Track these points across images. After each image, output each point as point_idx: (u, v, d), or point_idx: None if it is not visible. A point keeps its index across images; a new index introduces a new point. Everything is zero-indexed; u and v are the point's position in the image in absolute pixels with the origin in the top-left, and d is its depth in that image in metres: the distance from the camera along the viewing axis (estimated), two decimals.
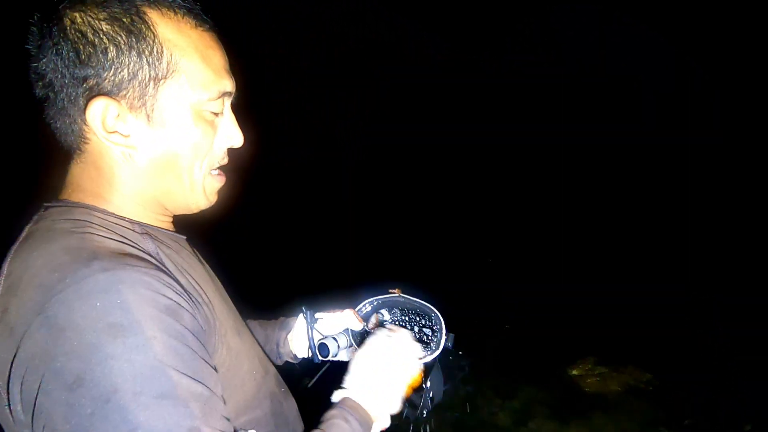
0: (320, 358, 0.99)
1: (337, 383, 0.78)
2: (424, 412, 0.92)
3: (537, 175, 6.82)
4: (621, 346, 3.23)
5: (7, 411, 0.55)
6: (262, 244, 5.26)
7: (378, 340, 0.82)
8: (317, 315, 1.02)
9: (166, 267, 0.62)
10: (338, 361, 1.03)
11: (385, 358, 0.79)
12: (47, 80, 0.61)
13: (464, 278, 4.61)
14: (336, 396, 0.77)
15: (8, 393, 0.53)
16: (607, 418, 2.67)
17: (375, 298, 1.06)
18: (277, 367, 0.91)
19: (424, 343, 0.96)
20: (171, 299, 0.55)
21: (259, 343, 0.85)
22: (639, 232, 5.30)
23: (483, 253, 5.41)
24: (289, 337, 1.04)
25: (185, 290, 0.61)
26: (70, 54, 0.59)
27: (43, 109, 0.65)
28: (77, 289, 0.51)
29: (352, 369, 0.79)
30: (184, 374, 0.52)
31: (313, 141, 7.31)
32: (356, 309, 1.04)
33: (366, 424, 0.73)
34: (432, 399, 0.92)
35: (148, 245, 0.64)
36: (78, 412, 0.47)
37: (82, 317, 0.50)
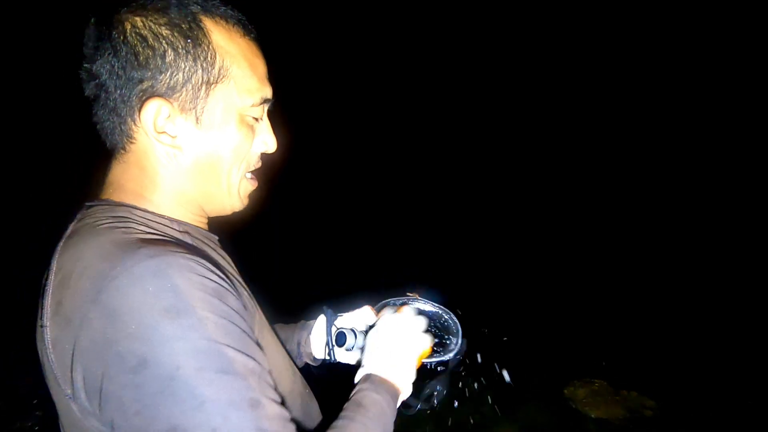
0: (337, 351, 1.00)
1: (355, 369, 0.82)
2: (431, 404, 0.92)
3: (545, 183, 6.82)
4: (626, 369, 3.21)
5: (69, 402, 0.56)
6: (282, 248, 5.33)
7: (385, 318, 0.85)
8: (338, 314, 1.04)
9: (206, 257, 0.64)
10: (351, 364, 1.03)
11: (395, 333, 0.82)
12: (101, 81, 0.63)
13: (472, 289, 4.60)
14: (358, 375, 0.79)
15: (72, 383, 0.55)
16: None
17: (393, 299, 1.07)
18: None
19: (441, 346, 0.96)
20: (216, 282, 0.58)
21: (284, 347, 0.87)
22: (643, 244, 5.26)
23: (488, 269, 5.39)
24: (310, 338, 1.05)
25: (228, 276, 0.63)
26: (129, 56, 0.62)
27: (91, 109, 0.67)
28: (129, 275, 0.53)
29: (368, 348, 0.83)
30: (238, 350, 0.55)
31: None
32: (375, 307, 1.06)
33: (394, 394, 0.76)
34: (436, 396, 0.92)
35: (187, 242, 0.66)
36: (146, 391, 0.50)
37: (136, 302, 0.52)
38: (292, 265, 4.96)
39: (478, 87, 7.77)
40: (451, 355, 0.92)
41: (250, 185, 0.77)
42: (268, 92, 0.72)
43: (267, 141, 0.75)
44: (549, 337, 3.67)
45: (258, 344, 0.61)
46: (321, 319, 1.06)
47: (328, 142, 7.27)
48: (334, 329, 1.00)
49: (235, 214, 0.78)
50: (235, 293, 0.60)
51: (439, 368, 0.92)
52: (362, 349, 0.98)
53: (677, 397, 2.93)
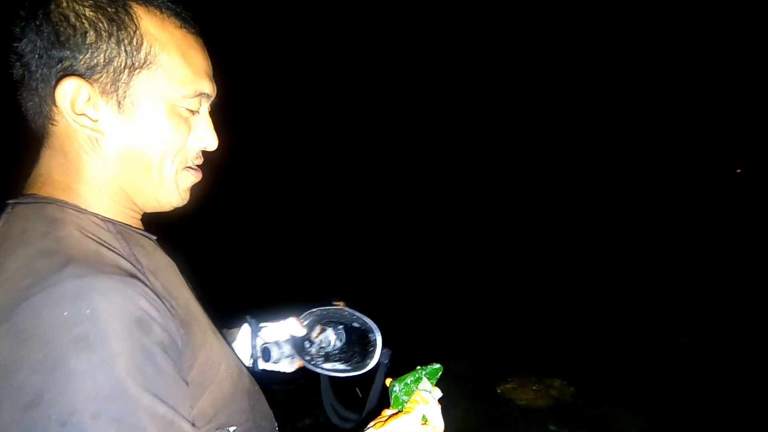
0: (262, 363, 1.01)
1: None
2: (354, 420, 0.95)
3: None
4: (548, 360, 3.47)
5: None
6: (216, 251, 5.14)
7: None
8: (261, 324, 1.03)
9: (141, 270, 0.61)
10: (277, 370, 1.05)
11: None
12: (25, 60, 0.62)
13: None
14: None
15: None
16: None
17: (318, 308, 1.07)
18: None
19: (361, 356, 0.98)
20: (144, 310, 0.54)
21: (228, 344, 0.84)
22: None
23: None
24: (233, 346, 1.02)
25: (159, 296, 0.59)
26: (51, 35, 0.60)
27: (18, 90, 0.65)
28: (46, 296, 0.49)
29: None
30: (147, 393, 0.50)
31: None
32: (300, 317, 1.06)
33: None
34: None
35: (123, 246, 0.62)
36: None
37: (47, 327, 0.48)
38: (229, 266, 4.83)
39: (458, 74, 7.83)
40: (370, 367, 0.93)
41: (190, 178, 0.73)
42: (205, 86, 0.69)
43: (205, 137, 0.72)
44: (486, 341, 3.85)
45: (184, 380, 0.58)
46: (245, 329, 1.05)
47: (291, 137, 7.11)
48: (259, 342, 1.01)
49: (175, 210, 0.74)
50: (163, 320, 0.56)
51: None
52: (290, 357, 1.03)
53: (596, 384, 3.21)
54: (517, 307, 4.42)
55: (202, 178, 0.76)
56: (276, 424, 0.88)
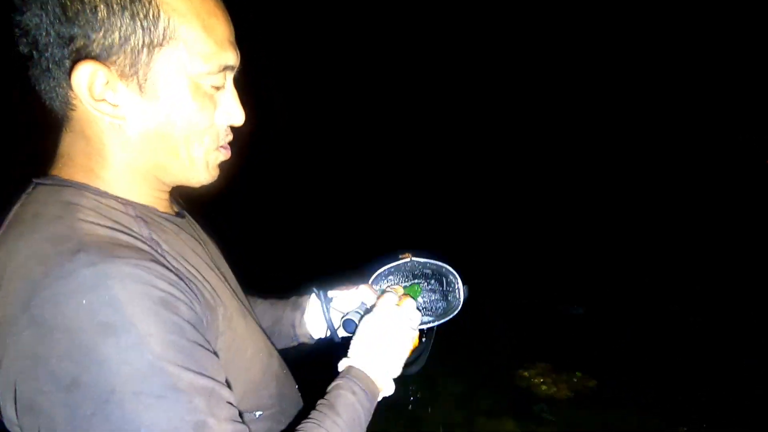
0: (346, 334, 0.95)
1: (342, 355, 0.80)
2: (416, 367, 0.94)
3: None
4: (570, 352, 3.38)
5: None
6: (264, 224, 5.19)
7: (382, 309, 0.83)
8: (330, 293, 0.99)
9: (161, 253, 0.59)
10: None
11: (388, 327, 0.80)
12: (31, 37, 0.56)
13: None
14: (341, 365, 0.78)
15: None
16: (553, 425, 2.79)
17: (385, 267, 1.03)
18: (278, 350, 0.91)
19: (444, 301, 0.98)
20: (164, 291, 0.52)
21: (261, 327, 0.83)
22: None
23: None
24: (305, 318, 1.01)
25: (183, 278, 0.58)
26: (56, 9, 0.54)
27: (27, 68, 0.59)
28: (62, 286, 0.48)
29: (357, 337, 0.81)
30: (186, 368, 0.50)
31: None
32: (370, 282, 1.02)
33: (372, 393, 0.75)
34: (422, 357, 0.93)
35: (142, 230, 0.60)
36: (78, 413, 0.46)
37: (70, 317, 0.47)
38: (273, 236, 4.86)
39: (447, 58, 7.71)
40: (457, 311, 0.95)
41: (220, 156, 0.70)
42: (230, 58, 0.63)
43: (232, 112, 0.67)
44: (499, 322, 3.83)
45: (215, 353, 0.58)
46: (314, 301, 1.02)
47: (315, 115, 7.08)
48: (335, 314, 0.97)
49: (204, 187, 0.71)
50: (188, 299, 0.55)
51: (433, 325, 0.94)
52: None
53: (615, 377, 3.13)
54: (532, 289, 4.36)
55: (231, 155, 0.72)
56: (302, 406, 0.86)
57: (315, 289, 1.00)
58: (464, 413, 2.86)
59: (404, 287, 0.95)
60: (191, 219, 0.79)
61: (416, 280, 0.95)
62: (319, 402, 0.70)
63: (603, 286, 4.34)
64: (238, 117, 0.68)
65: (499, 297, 4.16)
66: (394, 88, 7.58)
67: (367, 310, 0.94)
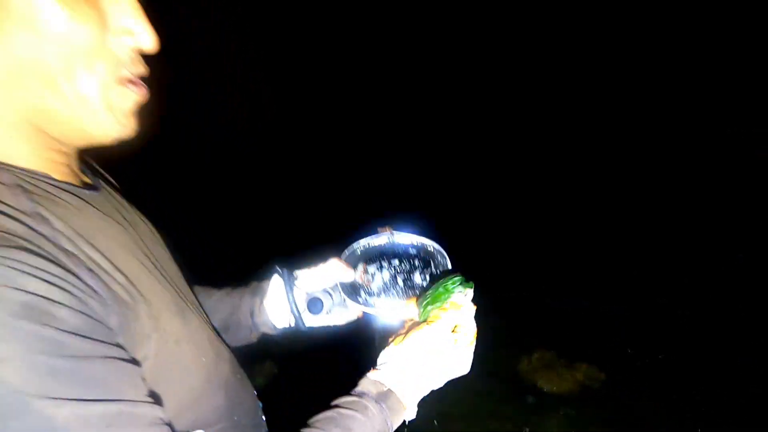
0: (310, 319, 0.86)
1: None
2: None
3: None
4: (577, 342, 3.26)
5: None
6: (254, 215, 5.00)
7: (438, 337, 0.71)
8: (296, 273, 0.89)
9: (49, 234, 0.45)
10: (328, 326, 0.91)
11: (440, 363, 0.70)
12: None
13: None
14: (367, 381, 0.68)
15: None
16: (559, 418, 2.69)
17: (360, 242, 0.92)
18: (232, 349, 0.78)
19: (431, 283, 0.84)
20: (33, 293, 0.39)
21: (211, 325, 0.71)
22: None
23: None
24: (265, 303, 0.89)
25: (78, 268, 0.45)
26: None
27: None
28: None
29: (395, 361, 0.70)
30: (65, 398, 0.38)
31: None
32: (341, 257, 0.91)
33: (396, 414, 0.66)
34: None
35: (21, 202, 0.45)
36: None
37: None
38: (262, 228, 4.71)
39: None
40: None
41: (130, 95, 0.53)
42: None
43: (129, 25, 0.50)
44: (501, 310, 3.76)
45: (134, 361, 0.47)
46: (276, 282, 0.90)
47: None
48: (300, 295, 0.87)
49: (126, 142, 0.55)
50: (74, 299, 0.42)
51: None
52: (341, 305, 0.88)
53: (624, 370, 3.03)
54: (520, 282, 4.29)
55: (146, 99, 0.56)
56: (263, 418, 0.76)
57: (277, 268, 0.89)
58: (464, 407, 2.79)
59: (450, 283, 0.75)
60: (113, 194, 0.64)
61: (450, 279, 0.74)
62: (327, 416, 0.61)
63: (599, 278, 4.29)
64: (141, 32, 0.51)
65: (489, 290, 4.09)
66: (383, 80, 7.52)
67: (346, 288, 0.84)
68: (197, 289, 0.90)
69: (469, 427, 2.67)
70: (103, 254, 0.50)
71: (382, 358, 0.70)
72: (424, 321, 0.71)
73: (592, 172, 6.39)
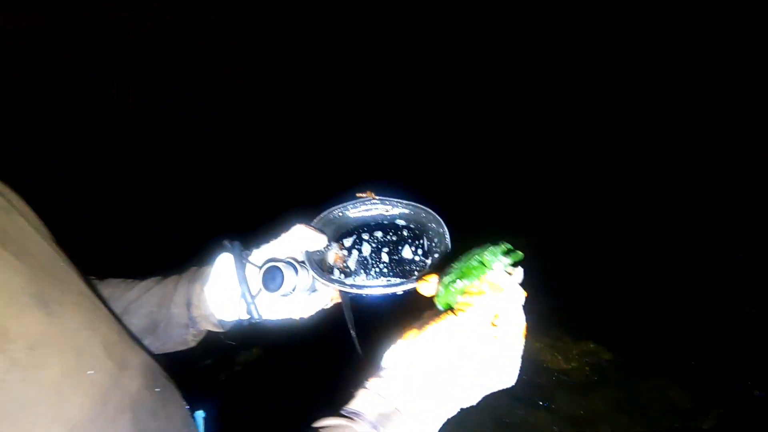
0: (267, 302, 0.65)
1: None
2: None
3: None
4: (583, 319, 3.20)
5: None
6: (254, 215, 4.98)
7: (468, 322, 0.51)
8: (249, 248, 0.70)
9: None
10: (291, 319, 0.69)
11: (472, 348, 0.50)
12: None
13: None
14: (367, 390, 0.49)
15: None
16: (569, 398, 2.68)
17: (335, 207, 0.71)
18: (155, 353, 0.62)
19: (426, 253, 0.67)
20: None
21: (121, 323, 0.53)
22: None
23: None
24: (206, 290, 0.69)
25: None
26: None
27: None
28: None
29: (404, 348, 0.50)
30: None
31: None
32: (312, 224, 0.71)
33: None
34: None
35: None
36: None
37: None
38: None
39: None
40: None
41: None
42: None
43: None
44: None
45: None
46: (224, 261, 0.69)
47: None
48: (251, 273, 0.65)
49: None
50: None
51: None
52: (308, 287, 0.68)
53: (631, 349, 3.01)
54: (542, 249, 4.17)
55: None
56: None
57: (227, 242, 0.68)
58: None
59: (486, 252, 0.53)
60: None
61: (489, 248, 0.53)
62: None
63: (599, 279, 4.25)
64: None
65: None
66: (381, 80, 7.50)
67: (316, 264, 0.63)
68: (111, 282, 0.73)
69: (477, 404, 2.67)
70: None
71: (388, 359, 0.50)
72: (450, 309, 0.51)
73: (591, 170, 6.38)
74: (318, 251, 0.69)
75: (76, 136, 4.47)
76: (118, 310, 0.69)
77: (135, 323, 0.69)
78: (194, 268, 0.73)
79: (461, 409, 0.51)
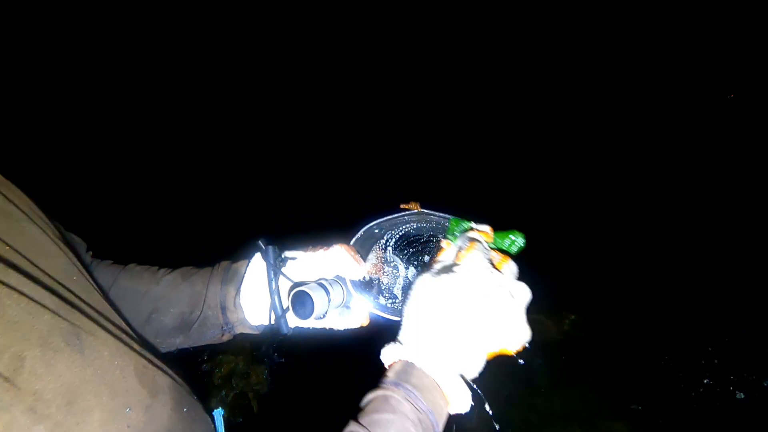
0: (294, 323, 0.62)
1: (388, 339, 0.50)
2: None
3: None
4: (557, 288, 3.14)
5: None
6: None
7: (467, 265, 0.52)
8: (287, 254, 0.66)
9: None
10: (322, 328, 0.65)
11: (477, 295, 0.49)
12: None
13: None
14: (388, 355, 0.49)
15: None
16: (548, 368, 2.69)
17: (378, 221, 0.67)
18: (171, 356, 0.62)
19: None
20: None
21: (132, 346, 0.48)
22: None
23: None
24: (241, 296, 0.66)
25: None
26: None
27: None
28: None
29: (415, 311, 0.50)
30: None
31: None
32: (351, 242, 0.67)
33: (437, 409, 0.46)
34: None
35: None
36: None
37: None
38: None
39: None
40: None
41: None
42: None
43: None
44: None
45: None
46: (257, 265, 0.66)
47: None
48: (285, 287, 0.62)
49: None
50: None
51: None
52: (343, 308, 0.64)
53: (608, 320, 3.01)
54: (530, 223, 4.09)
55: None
56: None
57: (261, 243, 0.65)
58: None
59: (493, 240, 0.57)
60: None
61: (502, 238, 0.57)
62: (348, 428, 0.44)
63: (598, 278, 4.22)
64: None
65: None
66: (375, 80, 7.48)
67: (356, 287, 0.60)
68: (134, 271, 0.69)
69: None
70: None
71: (404, 321, 0.51)
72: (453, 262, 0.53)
73: (590, 169, 6.36)
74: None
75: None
76: (147, 308, 0.68)
77: (167, 322, 0.68)
78: (225, 264, 0.70)
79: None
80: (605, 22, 6.95)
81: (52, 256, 0.47)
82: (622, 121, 6.36)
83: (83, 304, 0.45)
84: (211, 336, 0.69)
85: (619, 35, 6.92)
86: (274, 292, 0.61)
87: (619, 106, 6.70)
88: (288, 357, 2.88)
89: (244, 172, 4.80)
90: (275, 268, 0.62)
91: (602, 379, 2.62)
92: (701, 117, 6.32)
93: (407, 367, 0.48)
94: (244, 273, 0.66)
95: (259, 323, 0.68)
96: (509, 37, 6.94)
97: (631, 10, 6.72)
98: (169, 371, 0.52)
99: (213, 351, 2.74)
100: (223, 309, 0.67)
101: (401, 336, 0.51)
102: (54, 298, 0.40)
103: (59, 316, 0.39)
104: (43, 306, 0.38)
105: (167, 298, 0.67)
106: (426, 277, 0.51)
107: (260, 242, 0.65)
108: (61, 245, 0.51)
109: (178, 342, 0.69)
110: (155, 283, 0.68)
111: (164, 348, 0.69)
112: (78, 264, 0.51)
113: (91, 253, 0.70)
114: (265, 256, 0.64)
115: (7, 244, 0.41)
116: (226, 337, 0.70)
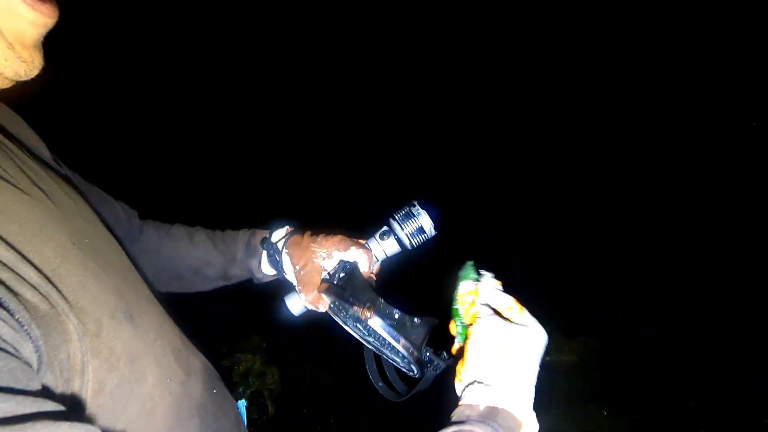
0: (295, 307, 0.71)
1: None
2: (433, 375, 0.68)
3: None
4: (573, 316, 3.22)
5: None
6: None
7: (526, 320, 0.60)
8: (289, 243, 0.76)
9: None
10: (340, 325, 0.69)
11: (503, 336, 0.56)
12: None
13: None
14: (476, 397, 0.53)
15: None
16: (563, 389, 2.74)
17: (395, 214, 0.70)
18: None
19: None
20: None
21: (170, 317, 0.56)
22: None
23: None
24: (262, 267, 0.80)
25: None
26: None
27: None
28: None
29: (481, 356, 0.55)
30: None
31: None
32: (366, 241, 0.72)
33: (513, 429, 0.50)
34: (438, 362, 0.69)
35: None
36: None
37: None
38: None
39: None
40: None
41: (24, 14, 0.39)
42: None
43: None
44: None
45: (57, 414, 0.29)
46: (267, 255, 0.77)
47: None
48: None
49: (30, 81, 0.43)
50: None
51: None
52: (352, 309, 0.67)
53: (622, 344, 3.07)
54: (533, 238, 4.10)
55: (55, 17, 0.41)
56: (245, 422, 0.65)
57: (267, 237, 0.77)
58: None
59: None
60: (14, 149, 0.48)
61: (458, 284, 0.64)
62: None
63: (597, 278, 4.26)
64: None
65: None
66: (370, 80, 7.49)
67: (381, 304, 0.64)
68: (179, 233, 0.82)
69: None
70: (4, 240, 0.34)
71: (461, 387, 0.56)
72: (466, 330, 0.61)
73: (590, 168, 6.41)
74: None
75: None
76: (192, 265, 0.82)
77: (210, 274, 0.83)
78: (246, 234, 0.82)
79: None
80: (605, 21, 7.04)
81: (92, 220, 0.53)
82: (623, 121, 6.40)
83: (133, 289, 0.50)
84: (239, 277, 0.83)
85: (620, 35, 7.02)
86: (281, 273, 0.71)
87: (619, 108, 6.77)
88: (302, 360, 2.92)
89: (244, 172, 4.85)
90: (277, 255, 0.72)
91: (613, 403, 2.68)
92: (700, 122, 6.41)
93: (493, 410, 0.51)
94: (262, 252, 0.78)
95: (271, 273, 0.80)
96: (509, 37, 7.01)
97: (632, 11, 6.82)
98: (200, 355, 0.58)
99: (231, 349, 2.80)
100: (252, 273, 0.81)
101: (468, 392, 0.54)
102: (116, 282, 0.46)
103: (120, 297, 0.44)
104: (109, 290, 0.43)
105: (203, 259, 0.80)
106: (499, 323, 0.58)
107: (279, 224, 0.76)
108: (113, 240, 0.57)
109: (221, 283, 0.85)
110: (190, 242, 0.81)
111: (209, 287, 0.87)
112: (117, 244, 0.56)
113: (137, 213, 0.85)
114: (265, 246, 0.75)
115: (86, 237, 0.46)
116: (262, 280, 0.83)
